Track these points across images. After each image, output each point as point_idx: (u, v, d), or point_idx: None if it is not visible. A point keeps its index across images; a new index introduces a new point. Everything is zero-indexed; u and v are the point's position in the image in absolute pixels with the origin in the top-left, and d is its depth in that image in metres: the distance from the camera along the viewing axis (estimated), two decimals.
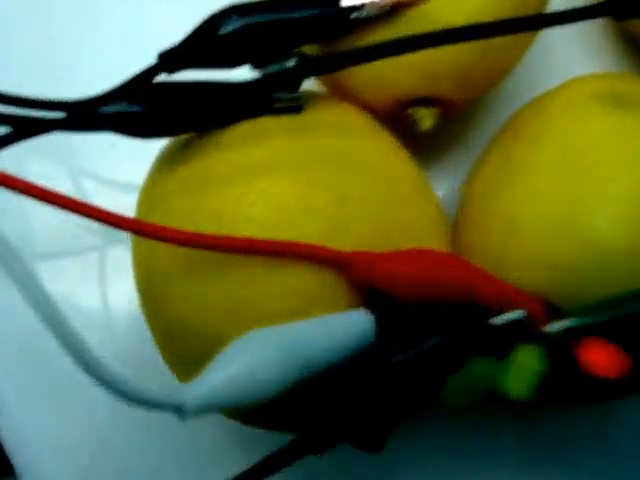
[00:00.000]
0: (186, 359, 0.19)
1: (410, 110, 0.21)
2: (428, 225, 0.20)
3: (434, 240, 0.20)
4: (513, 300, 0.17)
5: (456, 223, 0.21)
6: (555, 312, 0.17)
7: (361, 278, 0.17)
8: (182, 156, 0.19)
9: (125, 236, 0.19)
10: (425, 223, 0.20)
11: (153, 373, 0.19)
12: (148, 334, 0.20)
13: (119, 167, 0.26)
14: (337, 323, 0.17)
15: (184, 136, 0.20)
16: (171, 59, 0.19)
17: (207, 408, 0.14)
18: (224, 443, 0.25)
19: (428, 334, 0.16)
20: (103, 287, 0.26)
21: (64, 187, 0.17)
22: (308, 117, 0.19)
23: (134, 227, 0.16)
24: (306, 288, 0.17)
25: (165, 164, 0.20)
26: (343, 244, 0.17)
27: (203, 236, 0.16)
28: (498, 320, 0.17)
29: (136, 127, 0.18)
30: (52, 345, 0.12)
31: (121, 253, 0.24)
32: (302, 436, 0.16)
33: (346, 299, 0.18)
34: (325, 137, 0.19)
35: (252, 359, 0.15)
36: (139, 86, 0.19)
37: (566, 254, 0.18)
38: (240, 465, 0.17)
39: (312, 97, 0.20)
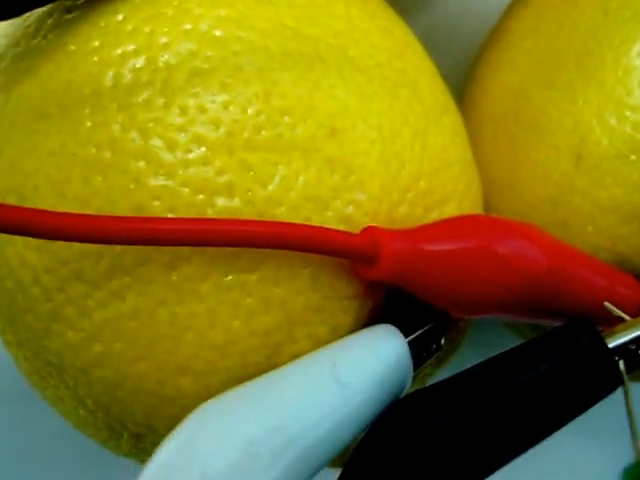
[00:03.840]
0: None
1: None
2: (455, 156, 0.13)
3: (467, 184, 0.13)
4: (605, 287, 0.11)
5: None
6: None
7: (387, 273, 0.10)
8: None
9: None
10: (452, 153, 0.12)
11: None
12: None
13: None
14: (350, 359, 0.10)
15: None
16: None
17: None
18: None
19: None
20: None
21: None
22: None
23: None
24: (288, 297, 0.10)
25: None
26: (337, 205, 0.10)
27: (120, 220, 0.09)
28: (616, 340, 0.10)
29: None
30: None
31: None
32: None
33: (353, 310, 0.11)
34: None
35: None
36: None
37: None
38: None
39: None
